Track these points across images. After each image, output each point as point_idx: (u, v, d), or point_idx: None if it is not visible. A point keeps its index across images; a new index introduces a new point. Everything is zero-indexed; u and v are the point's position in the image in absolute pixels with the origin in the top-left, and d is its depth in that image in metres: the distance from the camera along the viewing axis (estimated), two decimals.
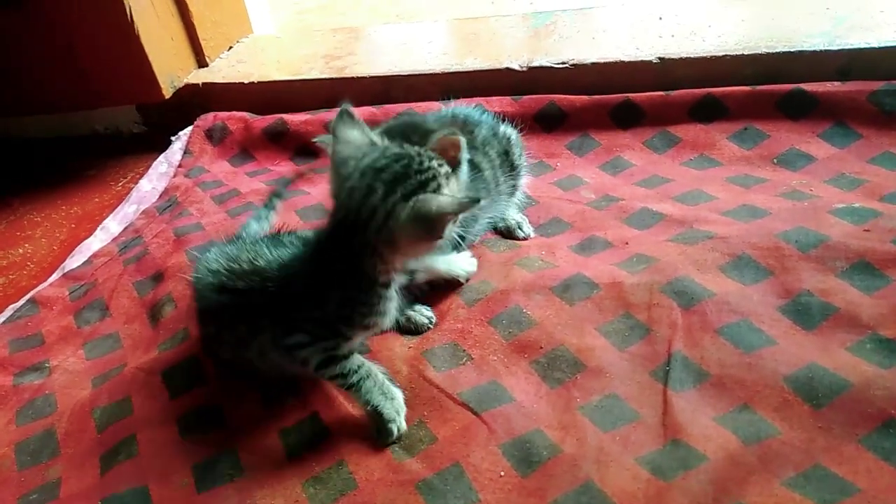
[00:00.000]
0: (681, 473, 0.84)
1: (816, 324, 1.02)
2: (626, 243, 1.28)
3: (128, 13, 1.86)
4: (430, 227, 0.89)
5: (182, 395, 1.13)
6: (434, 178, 0.91)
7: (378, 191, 0.88)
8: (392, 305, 0.99)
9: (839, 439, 0.85)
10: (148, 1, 1.96)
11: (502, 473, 0.90)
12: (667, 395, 0.95)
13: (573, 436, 0.92)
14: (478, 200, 0.90)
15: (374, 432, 0.98)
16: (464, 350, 1.11)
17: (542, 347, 1.08)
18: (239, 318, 1.01)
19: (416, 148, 0.94)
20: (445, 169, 0.94)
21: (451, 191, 0.94)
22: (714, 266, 1.15)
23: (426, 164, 0.91)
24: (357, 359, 1.00)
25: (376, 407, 0.97)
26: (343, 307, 0.95)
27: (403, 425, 0.98)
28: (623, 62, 1.74)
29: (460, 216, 0.95)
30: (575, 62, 1.77)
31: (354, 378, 0.98)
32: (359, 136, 0.96)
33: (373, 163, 0.91)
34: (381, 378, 1.00)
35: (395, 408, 0.98)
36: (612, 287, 1.15)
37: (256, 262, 1.02)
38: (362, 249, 0.92)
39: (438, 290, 1.24)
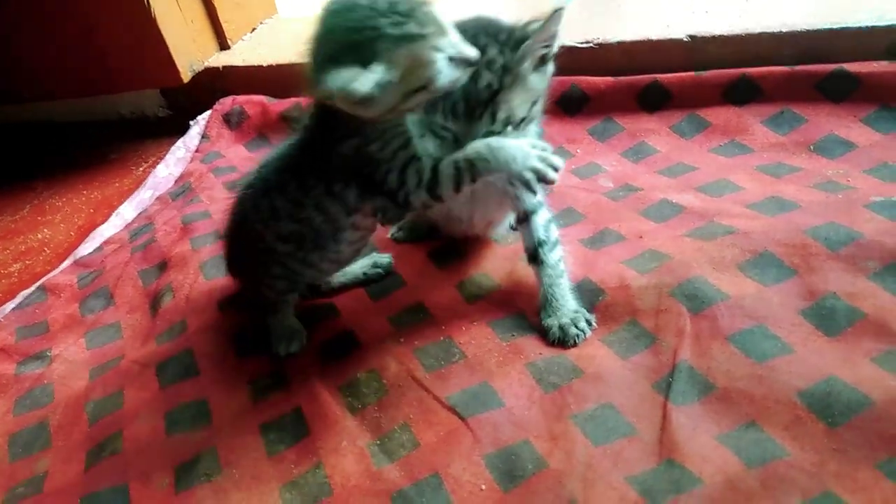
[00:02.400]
0: (671, 497, 0.77)
1: (840, 330, 0.93)
2: (640, 237, 1.19)
3: None
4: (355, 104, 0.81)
5: (172, 389, 1.11)
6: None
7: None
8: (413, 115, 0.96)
9: (854, 463, 0.77)
10: None
11: (483, 487, 0.84)
12: (667, 408, 0.88)
13: (562, 448, 0.86)
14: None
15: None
16: (457, 347, 1.06)
17: (541, 353, 1.02)
18: (285, 181, 0.99)
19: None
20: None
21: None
22: (732, 264, 1.06)
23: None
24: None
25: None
26: (379, 146, 0.93)
27: None
28: (651, 41, 1.63)
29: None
30: (600, 41, 1.67)
31: (462, 161, 0.92)
32: None
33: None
34: None
35: None
36: (618, 291, 1.07)
37: (279, 150, 1.04)
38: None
39: (437, 282, 1.21)
